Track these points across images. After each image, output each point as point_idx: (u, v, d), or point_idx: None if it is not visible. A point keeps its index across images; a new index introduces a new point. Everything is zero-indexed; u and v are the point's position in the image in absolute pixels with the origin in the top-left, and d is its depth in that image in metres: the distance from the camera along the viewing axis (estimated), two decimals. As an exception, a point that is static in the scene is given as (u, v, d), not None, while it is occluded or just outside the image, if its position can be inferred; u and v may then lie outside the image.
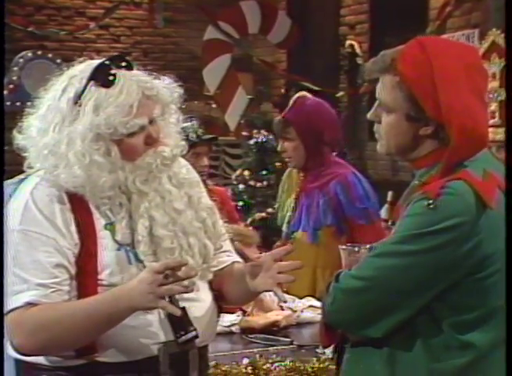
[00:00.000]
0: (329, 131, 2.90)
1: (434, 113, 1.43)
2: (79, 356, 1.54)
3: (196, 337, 1.59)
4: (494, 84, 2.43)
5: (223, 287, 1.70)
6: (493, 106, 2.42)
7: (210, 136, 3.33)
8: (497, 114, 2.40)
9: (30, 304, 1.50)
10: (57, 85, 1.59)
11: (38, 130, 1.58)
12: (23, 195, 1.57)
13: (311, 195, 2.92)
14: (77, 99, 1.55)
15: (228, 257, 1.73)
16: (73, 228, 1.54)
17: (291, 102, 3.03)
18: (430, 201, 1.40)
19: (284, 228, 3.01)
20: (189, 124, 3.23)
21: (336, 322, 1.50)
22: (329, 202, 2.85)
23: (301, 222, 2.93)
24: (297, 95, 3.06)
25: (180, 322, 1.56)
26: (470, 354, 1.43)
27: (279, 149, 3.01)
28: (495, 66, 2.42)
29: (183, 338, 1.56)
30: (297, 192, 2.99)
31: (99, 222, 1.57)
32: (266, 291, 1.65)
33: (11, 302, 1.51)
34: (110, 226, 1.57)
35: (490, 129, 2.49)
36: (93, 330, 1.52)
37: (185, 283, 1.48)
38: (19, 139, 1.60)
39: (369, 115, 1.52)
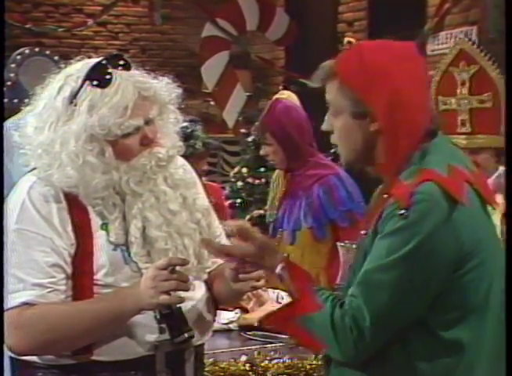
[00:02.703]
0: (299, 133, 2.91)
1: (372, 105, 1.45)
2: (74, 355, 1.54)
3: (192, 337, 1.58)
4: (464, 91, 2.44)
5: (213, 286, 1.70)
6: (463, 115, 2.42)
7: (216, 143, 3.35)
8: (468, 122, 2.41)
9: (26, 304, 1.50)
10: (54, 84, 1.58)
11: (34, 128, 1.57)
12: (19, 194, 1.56)
13: (294, 196, 2.94)
14: (73, 98, 1.54)
15: None
16: (69, 228, 1.54)
17: (267, 106, 3.06)
18: (403, 211, 1.39)
19: (270, 227, 3.04)
20: (193, 131, 3.25)
21: (353, 359, 1.44)
22: (311, 204, 2.87)
23: (283, 222, 2.95)
24: (274, 97, 3.09)
25: (176, 322, 1.56)
26: (456, 353, 1.42)
27: (261, 153, 3.04)
28: (464, 73, 2.43)
29: (179, 338, 1.56)
30: (283, 191, 3.00)
31: (95, 221, 1.56)
32: (250, 291, 1.63)
33: (7, 302, 1.49)
34: (106, 226, 1.57)
35: (462, 137, 2.50)
36: (97, 331, 1.51)
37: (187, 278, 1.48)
38: (16, 136, 1.60)
39: (323, 127, 1.54)
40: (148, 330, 1.56)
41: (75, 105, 1.54)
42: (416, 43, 1.54)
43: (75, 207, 1.55)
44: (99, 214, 1.57)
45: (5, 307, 1.49)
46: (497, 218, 2.32)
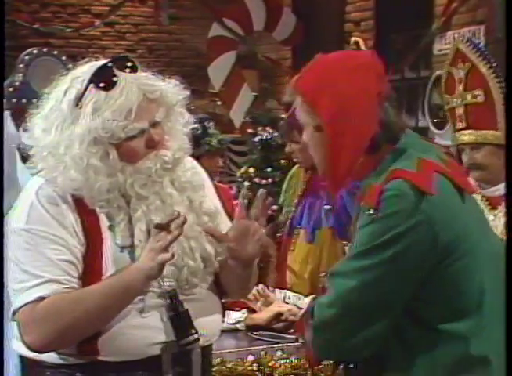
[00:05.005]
0: None
1: (320, 116, 1.47)
2: (81, 355, 1.54)
3: (197, 340, 1.58)
4: (460, 88, 2.47)
5: (221, 277, 1.69)
6: (460, 111, 2.45)
7: (229, 139, 3.35)
8: (463, 118, 2.43)
9: (42, 298, 1.50)
10: (60, 86, 1.59)
11: (42, 130, 1.57)
12: (27, 196, 1.57)
13: (315, 194, 2.92)
14: (78, 101, 1.54)
15: None
16: (79, 228, 1.54)
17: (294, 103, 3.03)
18: (371, 211, 1.40)
19: (287, 223, 3.02)
20: (207, 129, 3.25)
21: (321, 356, 1.50)
22: (334, 205, 2.86)
23: (302, 220, 2.94)
24: None
25: (182, 325, 1.57)
26: (454, 345, 1.42)
27: (287, 150, 3.01)
28: (461, 71, 2.46)
29: (184, 340, 1.56)
30: (303, 189, 2.99)
31: (104, 222, 1.57)
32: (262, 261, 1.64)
33: (22, 298, 1.50)
34: (113, 228, 1.57)
35: (457, 133, 2.50)
36: (110, 309, 1.50)
37: (176, 232, 1.49)
38: (24, 137, 1.61)
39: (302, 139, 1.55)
40: (154, 331, 1.56)
41: (80, 107, 1.54)
42: (375, 52, 1.55)
43: (83, 209, 1.55)
44: (106, 215, 1.57)
45: (20, 303, 1.50)
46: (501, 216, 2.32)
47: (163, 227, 1.51)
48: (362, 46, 6.63)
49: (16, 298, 1.51)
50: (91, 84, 1.54)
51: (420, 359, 1.42)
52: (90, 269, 1.53)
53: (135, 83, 1.55)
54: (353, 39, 6.80)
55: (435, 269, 1.41)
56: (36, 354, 1.56)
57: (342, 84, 1.46)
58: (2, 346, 1.71)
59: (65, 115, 1.55)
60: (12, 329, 1.62)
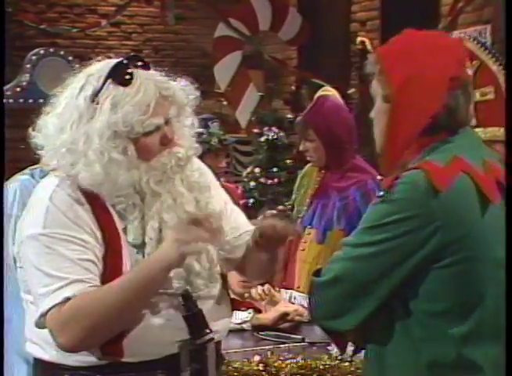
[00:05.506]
0: (346, 135, 2.89)
1: (391, 85, 1.49)
2: (106, 356, 1.54)
3: (212, 339, 1.60)
4: None
5: (244, 259, 1.71)
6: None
7: (232, 140, 3.33)
8: (473, 116, 2.43)
9: (69, 299, 1.50)
10: (74, 83, 1.59)
11: (55, 128, 1.58)
12: (40, 201, 1.56)
13: (328, 195, 2.91)
14: (95, 97, 1.55)
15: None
16: (96, 228, 1.55)
17: (312, 101, 3.01)
18: (381, 193, 1.45)
19: (298, 222, 3.01)
20: (208, 127, 3.24)
21: (314, 316, 1.54)
22: (346, 207, 2.84)
23: (314, 220, 2.93)
24: (319, 93, 3.03)
25: (197, 325, 1.58)
26: (447, 346, 1.43)
27: (301, 148, 3.00)
28: (470, 69, 2.47)
29: (200, 340, 1.58)
30: (315, 189, 2.98)
31: (118, 221, 1.57)
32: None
33: (49, 301, 1.50)
34: (127, 226, 1.57)
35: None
36: (132, 305, 1.50)
37: (205, 235, 1.50)
38: (35, 136, 1.60)
39: (370, 114, 1.58)
40: (173, 330, 1.57)
41: (97, 103, 1.55)
42: (462, 40, 1.58)
43: (98, 208, 1.56)
44: (120, 213, 1.58)
45: (48, 306, 1.49)
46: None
47: (196, 221, 1.50)
48: (368, 46, 6.63)
49: (43, 301, 1.51)
50: (109, 80, 1.56)
51: (422, 354, 1.43)
52: (110, 268, 1.54)
53: (151, 79, 1.57)
54: (359, 39, 6.80)
55: (435, 266, 1.42)
56: (54, 357, 1.56)
57: (419, 59, 1.49)
58: (2, 346, 1.70)
59: (81, 111, 1.56)
60: (23, 332, 1.61)
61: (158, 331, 1.56)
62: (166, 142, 1.58)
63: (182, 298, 1.58)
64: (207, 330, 1.59)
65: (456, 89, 1.49)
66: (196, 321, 1.58)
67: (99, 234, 1.54)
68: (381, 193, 1.45)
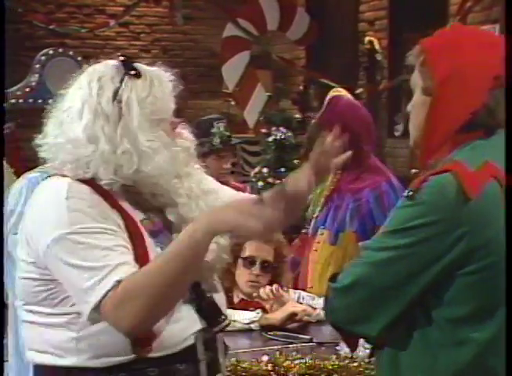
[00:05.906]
0: (364, 132, 2.87)
1: (434, 79, 1.46)
2: (137, 353, 1.52)
3: (229, 324, 1.63)
4: None
5: None
6: None
7: (237, 141, 3.31)
8: None
9: (119, 282, 1.47)
10: (84, 90, 1.58)
11: (87, 140, 1.55)
12: (57, 203, 1.53)
13: (342, 196, 2.90)
14: (115, 95, 1.56)
15: None
16: (118, 218, 1.54)
17: (325, 102, 2.99)
18: (409, 192, 1.41)
19: (312, 222, 3.00)
20: (214, 129, 3.22)
21: (333, 321, 1.51)
22: (359, 208, 2.83)
23: (327, 221, 2.92)
24: (331, 94, 3.01)
25: (212, 313, 1.60)
26: (467, 351, 1.41)
27: None
28: None
29: (217, 327, 1.60)
30: (330, 189, 2.97)
31: (137, 216, 1.58)
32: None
33: (99, 291, 1.46)
34: (147, 221, 1.59)
35: None
36: (183, 273, 1.48)
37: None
38: (62, 149, 1.57)
39: (407, 107, 1.55)
40: (189, 322, 1.58)
41: (119, 102, 1.56)
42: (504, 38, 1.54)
43: (114, 204, 1.56)
44: (140, 205, 1.59)
45: (99, 296, 1.46)
46: None
47: (259, 201, 1.43)
48: (377, 45, 6.61)
49: (91, 294, 1.47)
50: (126, 77, 1.58)
51: (440, 359, 1.42)
52: (136, 256, 1.52)
53: (154, 71, 1.62)
54: (367, 39, 6.78)
55: (461, 272, 1.39)
56: (74, 361, 1.53)
57: (466, 53, 1.46)
58: (2, 346, 1.70)
59: (108, 114, 1.56)
60: (20, 339, 1.61)
61: (174, 324, 1.55)
62: (174, 128, 1.63)
63: (192, 288, 1.58)
64: (223, 317, 1.60)
65: (497, 88, 1.46)
66: (210, 309, 1.59)
67: (123, 227, 1.54)
68: (407, 192, 1.41)
